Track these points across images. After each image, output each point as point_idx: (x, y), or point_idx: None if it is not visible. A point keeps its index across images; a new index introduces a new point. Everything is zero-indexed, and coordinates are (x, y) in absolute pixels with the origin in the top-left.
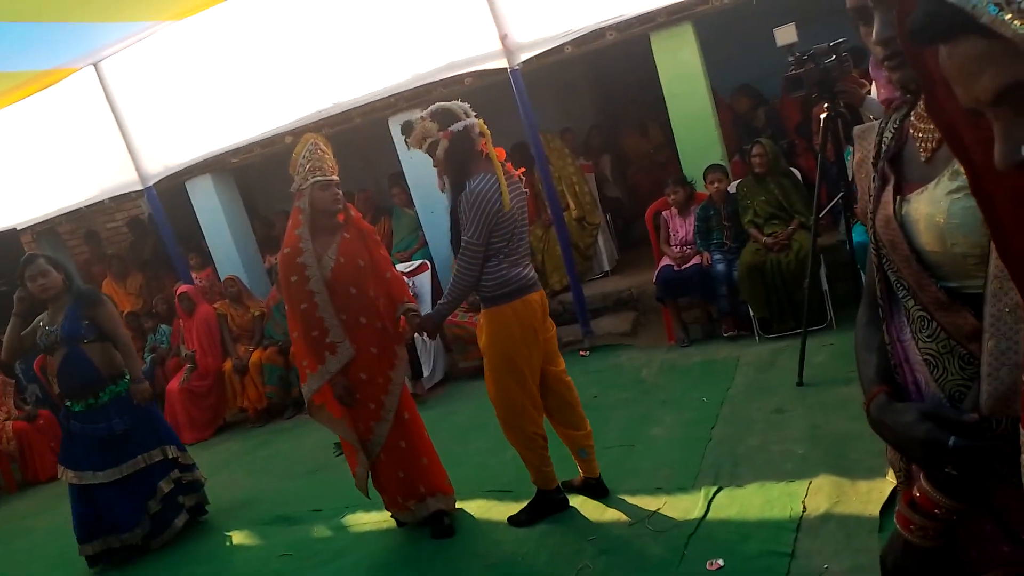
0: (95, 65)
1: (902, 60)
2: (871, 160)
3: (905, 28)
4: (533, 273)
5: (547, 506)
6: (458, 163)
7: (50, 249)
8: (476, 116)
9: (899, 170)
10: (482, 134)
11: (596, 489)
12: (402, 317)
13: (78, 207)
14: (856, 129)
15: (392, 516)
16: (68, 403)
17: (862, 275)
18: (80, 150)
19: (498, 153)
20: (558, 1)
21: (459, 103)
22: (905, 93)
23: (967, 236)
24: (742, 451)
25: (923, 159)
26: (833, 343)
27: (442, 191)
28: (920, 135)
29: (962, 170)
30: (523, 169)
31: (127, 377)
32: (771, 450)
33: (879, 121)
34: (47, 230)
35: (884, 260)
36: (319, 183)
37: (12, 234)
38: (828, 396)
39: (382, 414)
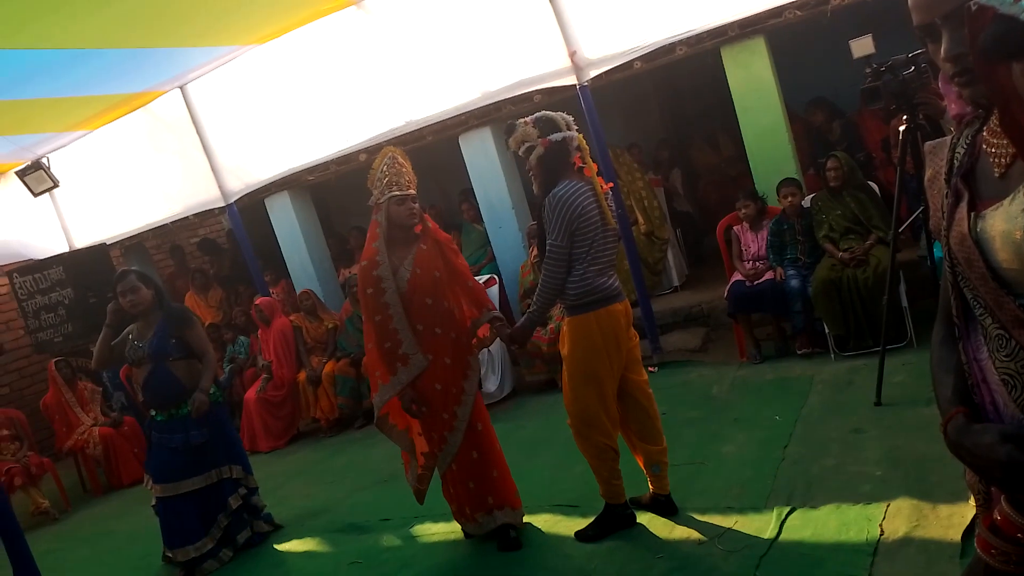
0: (181, 88)
1: (972, 76)
2: (943, 176)
3: (978, 45)
4: (618, 283)
5: (615, 521)
6: (550, 171)
7: (137, 263)
8: (577, 130)
9: (973, 186)
10: (579, 148)
11: (665, 506)
12: (485, 325)
13: (164, 223)
14: (927, 145)
15: (461, 527)
16: (152, 412)
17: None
18: (167, 169)
19: (592, 167)
20: (627, 17)
21: (563, 115)
22: (976, 108)
23: None
24: (817, 471)
25: (997, 175)
26: (913, 362)
27: (536, 195)
28: (993, 150)
29: None
30: (611, 184)
31: (211, 393)
32: (847, 471)
33: (951, 137)
34: (135, 244)
35: (960, 278)
36: (395, 198)
37: (101, 248)
38: (908, 417)
39: (455, 424)
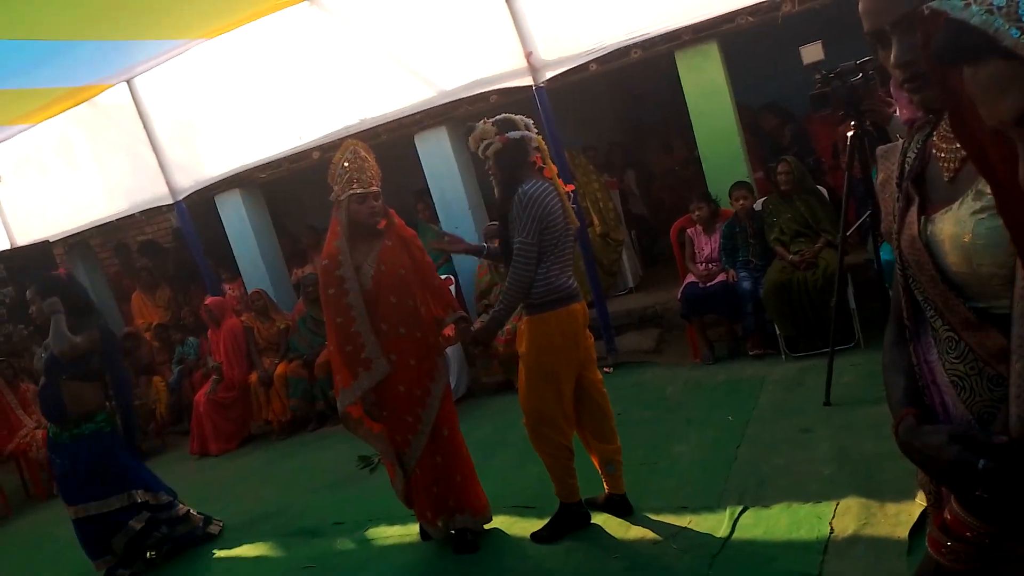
0: (128, 82)
1: (922, 82)
2: (895, 180)
3: (929, 49)
4: (576, 283)
5: (570, 520)
6: (508, 168)
7: (81, 261)
8: (537, 133)
9: (923, 190)
10: (538, 148)
11: (620, 506)
12: (450, 325)
13: (110, 220)
14: (879, 149)
15: (420, 529)
16: (49, 429)
17: (890, 294)
18: (113, 165)
19: (552, 168)
20: (583, 20)
21: (523, 117)
22: (927, 114)
23: (993, 256)
24: (768, 471)
25: (947, 179)
26: (861, 363)
27: (493, 249)
28: (943, 155)
29: (987, 190)
30: (572, 187)
31: (97, 419)
32: (798, 470)
33: (902, 141)
34: (79, 242)
35: (910, 280)
36: (356, 195)
37: (44, 246)
38: (856, 416)
39: (419, 427)
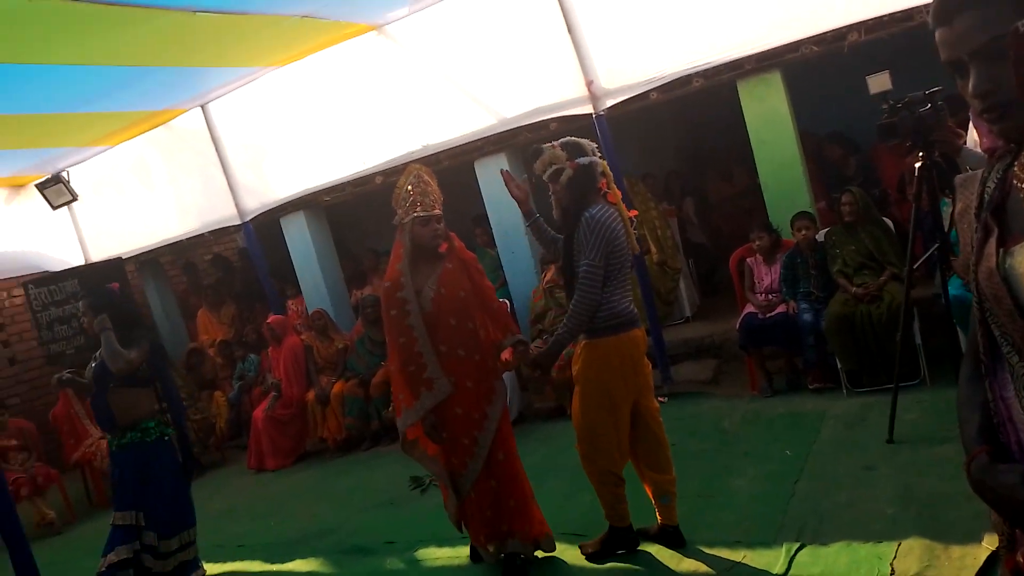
0: (202, 106)
1: (1002, 112)
2: (974, 210)
3: (1021, 69)
4: (635, 309)
5: (618, 543)
6: (577, 194)
7: (151, 278)
8: (601, 157)
9: (1003, 221)
10: (604, 174)
11: (673, 538)
12: (508, 349)
13: (180, 239)
14: (957, 178)
15: (472, 550)
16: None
17: (958, 330)
18: (185, 186)
19: (617, 193)
20: (644, 48)
21: (588, 142)
22: (1008, 143)
23: None
24: (827, 508)
25: None
26: (926, 400)
27: (539, 224)
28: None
29: None
30: (635, 212)
31: (142, 430)
32: (858, 508)
33: (981, 171)
34: (150, 260)
35: (987, 314)
36: (419, 218)
37: (117, 263)
38: (921, 455)
39: (475, 451)
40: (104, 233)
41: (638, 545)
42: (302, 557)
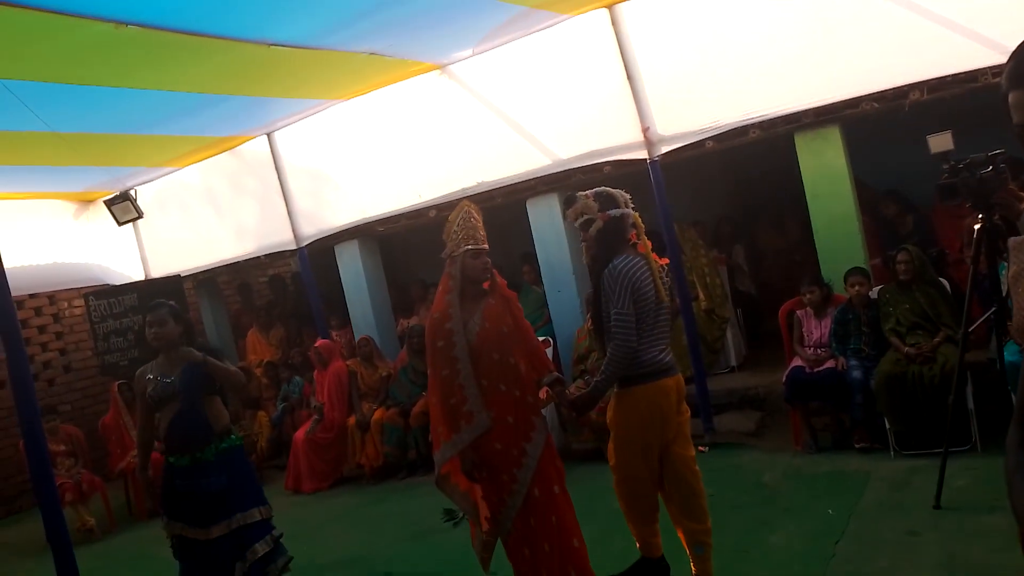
0: (268, 134)
1: None
2: None
3: None
4: (671, 358)
5: (647, 571)
6: (606, 245)
7: (207, 296)
8: (634, 208)
9: None
10: (635, 225)
11: None
12: (545, 388)
13: (237, 260)
14: (1012, 241)
15: None
16: (172, 459)
17: (1012, 397)
18: (245, 209)
19: (647, 243)
20: (702, 97)
21: (622, 192)
22: None
23: None
24: (868, 572)
25: None
26: (977, 467)
27: (586, 266)
28: None
29: None
30: (666, 260)
31: (232, 435)
32: (900, 574)
33: None
34: (207, 279)
35: None
36: (471, 251)
37: (176, 280)
38: (968, 523)
39: (514, 488)
40: (165, 251)
41: (668, 574)
42: None
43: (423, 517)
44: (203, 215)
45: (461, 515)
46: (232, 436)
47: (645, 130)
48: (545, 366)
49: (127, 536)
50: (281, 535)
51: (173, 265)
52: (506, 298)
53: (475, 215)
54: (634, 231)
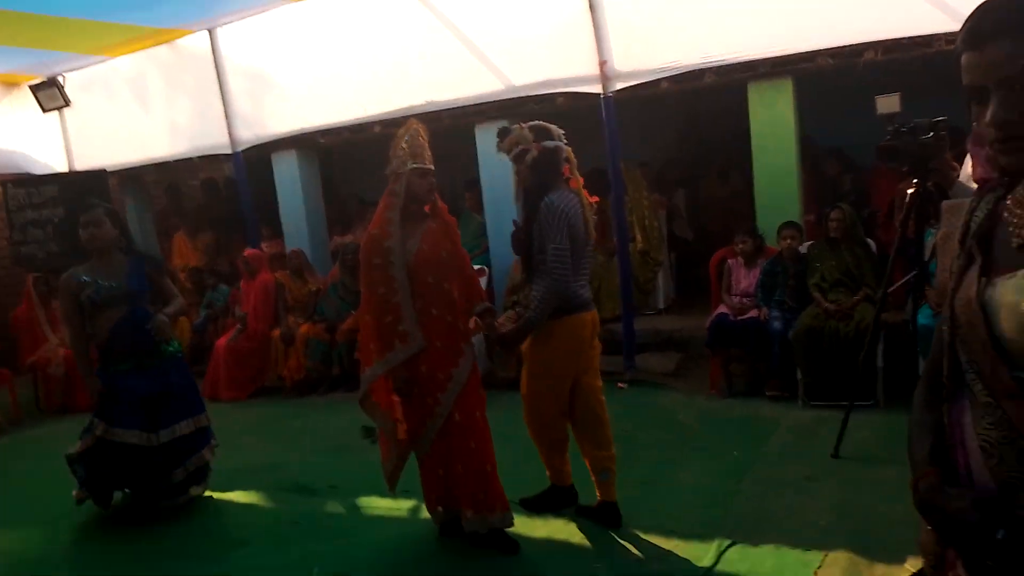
0: (210, 30)
1: (1015, 144)
2: (958, 238)
3: None
4: (589, 294)
5: (557, 499)
6: (540, 177)
7: (133, 195)
8: (567, 143)
9: (987, 252)
10: (568, 160)
11: (610, 514)
12: (475, 318)
13: (167, 159)
14: (945, 204)
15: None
16: (113, 365)
17: (920, 359)
18: (180, 107)
19: (579, 179)
20: (662, 36)
21: (556, 127)
22: (1003, 176)
23: None
24: (764, 511)
25: (1015, 245)
26: (877, 422)
27: (515, 202)
28: (1015, 220)
29: None
30: (598, 199)
31: (174, 342)
32: (794, 516)
33: (971, 200)
34: (134, 176)
35: (958, 340)
36: (417, 170)
37: (100, 174)
38: (863, 473)
39: (436, 411)
40: (91, 143)
41: (576, 501)
42: (243, 488)
43: (341, 433)
44: (134, 109)
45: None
46: (175, 343)
47: (602, 64)
48: (478, 295)
49: (34, 431)
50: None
51: (99, 159)
52: (446, 223)
53: (423, 134)
54: (567, 165)
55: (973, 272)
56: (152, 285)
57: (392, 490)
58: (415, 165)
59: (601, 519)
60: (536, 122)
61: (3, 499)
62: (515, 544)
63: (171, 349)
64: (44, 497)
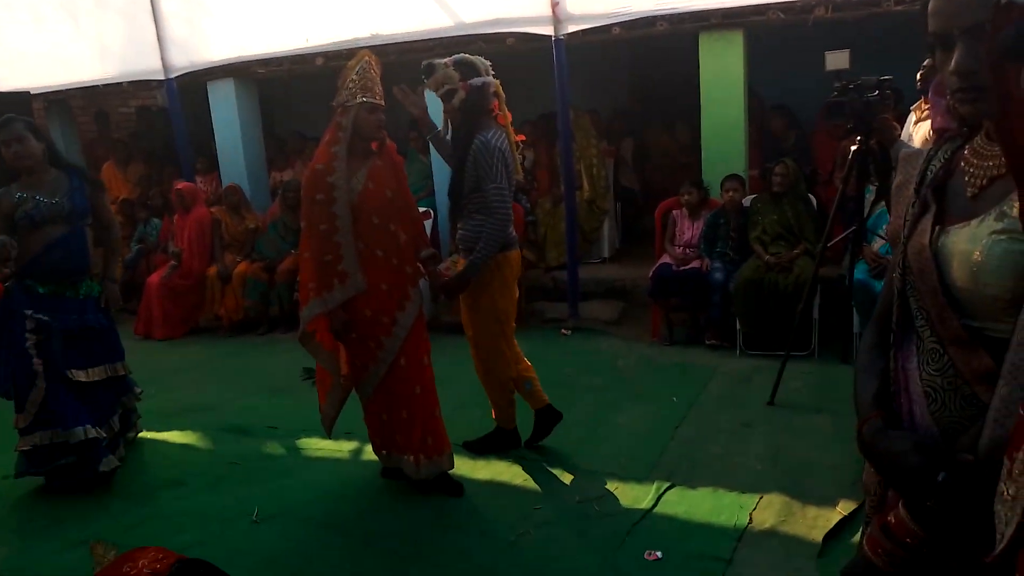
0: None
1: (976, 94)
2: (914, 186)
3: (995, 44)
4: (515, 233)
5: (502, 442)
6: (469, 116)
7: (59, 120)
8: (495, 77)
9: (941, 201)
10: (496, 95)
11: (550, 415)
12: (419, 263)
13: (95, 83)
14: (903, 152)
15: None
16: (38, 286)
17: (855, 313)
18: (107, 27)
19: (507, 115)
20: None
21: (482, 60)
22: (962, 126)
23: (1002, 279)
24: (701, 455)
25: (970, 195)
26: (811, 372)
27: (440, 137)
28: (972, 170)
29: (1012, 212)
30: (523, 136)
31: (95, 286)
32: (730, 460)
33: (928, 149)
34: (59, 101)
35: (908, 287)
36: (367, 104)
37: (24, 96)
38: (796, 420)
39: (379, 355)
40: (11, 62)
41: (519, 446)
42: (179, 429)
43: (280, 374)
44: (59, 27)
45: None
46: (95, 286)
47: (554, 5)
48: (423, 240)
49: None
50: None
51: (20, 80)
52: (394, 163)
53: (375, 67)
54: (496, 100)
55: (927, 220)
56: (91, 205)
57: (329, 434)
58: (365, 99)
59: (545, 422)
60: (460, 56)
61: None
62: (460, 486)
63: (93, 285)
64: None
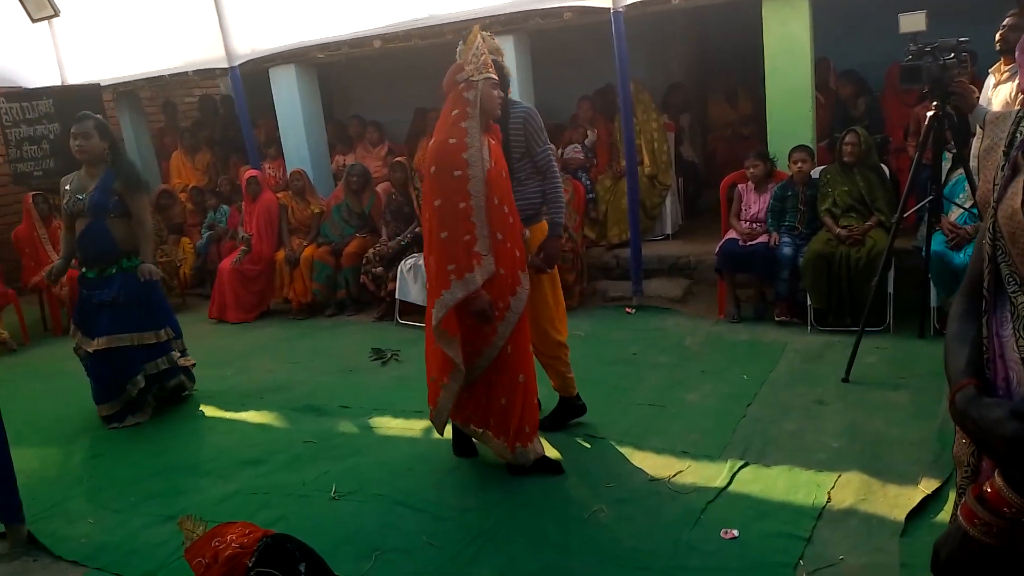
0: None
1: None
2: (1002, 148)
3: None
4: None
5: (569, 411)
6: (502, 86)
7: (128, 111)
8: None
9: None
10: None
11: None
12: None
13: (162, 74)
14: (988, 115)
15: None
16: (83, 270)
17: (932, 286)
18: (174, 19)
19: None
20: None
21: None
22: None
23: None
24: (775, 433)
25: None
26: (887, 347)
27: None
28: None
29: None
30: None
31: (135, 259)
32: (805, 438)
33: (1016, 110)
34: (128, 92)
35: (999, 251)
36: (491, 81)
37: (95, 89)
38: (873, 397)
39: (493, 340)
40: (84, 56)
41: (585, 411)
42: (255, 409)
43: (350, 355)
44: (127, 21)
45: (389, 355)
46: (135, 259)
47: None
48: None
49: (41, 350)
50: (192, 364)
51: (92, 73)
52: (499, 143)
53: (485, 48)
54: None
55: (1018, 183)
56: (123, 202)
57: (441, 432)
58: (489, 75)
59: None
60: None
61: (17, 419)
62: (558, 464)
63: (127, 264)
64: (57, 416)
